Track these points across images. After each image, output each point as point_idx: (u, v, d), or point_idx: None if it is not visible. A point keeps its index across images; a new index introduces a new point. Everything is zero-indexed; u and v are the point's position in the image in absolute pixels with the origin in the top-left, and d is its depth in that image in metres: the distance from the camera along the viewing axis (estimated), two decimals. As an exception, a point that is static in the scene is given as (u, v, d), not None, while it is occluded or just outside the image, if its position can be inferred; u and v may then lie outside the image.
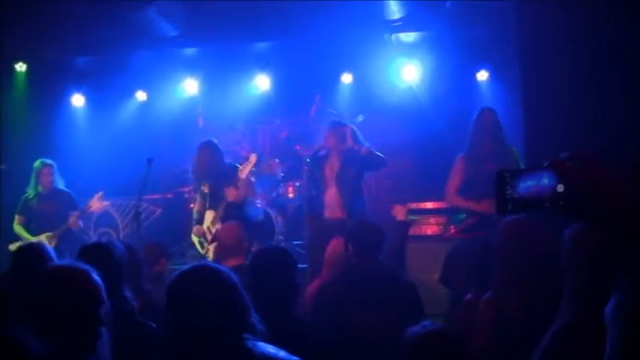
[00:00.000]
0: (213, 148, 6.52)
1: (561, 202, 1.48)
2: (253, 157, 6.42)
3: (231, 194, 6.29)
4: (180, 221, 7.97)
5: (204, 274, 2.34)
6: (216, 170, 6.43)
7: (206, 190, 6.53)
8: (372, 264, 3.95)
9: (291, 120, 9.05)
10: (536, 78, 5.29)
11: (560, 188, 1.49)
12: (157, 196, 8.25)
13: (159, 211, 8.25)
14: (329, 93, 8.55)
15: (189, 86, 8.64)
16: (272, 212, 7.57)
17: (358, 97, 8.61)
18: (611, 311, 1.22)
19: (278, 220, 7.52)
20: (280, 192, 8.23)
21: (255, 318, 2.33)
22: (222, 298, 2.27)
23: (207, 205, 6.51)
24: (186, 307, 2.27)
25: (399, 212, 5.17)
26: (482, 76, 8.24)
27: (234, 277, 2.38)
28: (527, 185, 1.55)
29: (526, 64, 5.47)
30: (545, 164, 1.54)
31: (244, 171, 6.34)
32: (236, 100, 8.74)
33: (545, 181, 1.53)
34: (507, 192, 1.56)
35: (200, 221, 6.55)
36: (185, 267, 2.39)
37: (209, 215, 6.48)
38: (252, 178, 6.77)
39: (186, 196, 8.21)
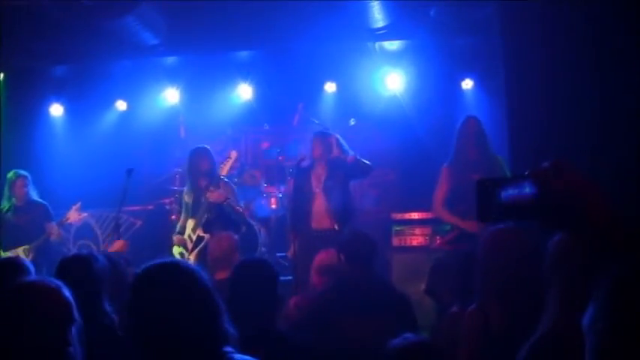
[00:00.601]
0: (208, 154, 6.54)
1: (539, 212, 1.50)
2: (234, 154, 6.46)
3: (212, 195, 6.28)
4: (161, 233, 7.93)
5: (173, 271, 2.15)
6: (209, 177, 6.46)
7: (189, 200, 6.56)
8: (365, 274, 3.96)
9: (274, 130, 9.10)
10: (520, 86, 5.35)
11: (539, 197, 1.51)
12: (137, 208, 8.25)
13: (139, 223, 8.23)
14: (312, 102, 8.60)
15: (170, 95, 8.67)
16: (255, 223, 7.47)
17: (342, 106, 8.68)
18: (588, 321, 1.24)
19: (261, 232, 7.52)
20: (263, 203, 8.22)
21: (229, 325, 2.16)
22: (194, 302, 2.08)
23: (190, 214, 6.52)
24: (152, 309, 2.07)
25: None
26: (467, 84, 8.30)
27: (208, 278, 2.20)
28: (508, 194, 1.56)
29: (510, 73, 5.52)
30: (527, 173, 1.56)
31: (225, 168, 6.37)
32: (218, 110, 8.78)
33: (527, 190, 1.54)
34: (489, 201, 1.58)
35: (181, 232, 6.55)
36: (152, 262, 2.21)
37: (190, 223, 6.50)
38: (234, 185, 6.83)
39: (168, 207, 8.24)
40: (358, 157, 6.26)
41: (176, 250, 6.51)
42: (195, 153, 6.55)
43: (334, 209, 6.26)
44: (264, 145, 9.01)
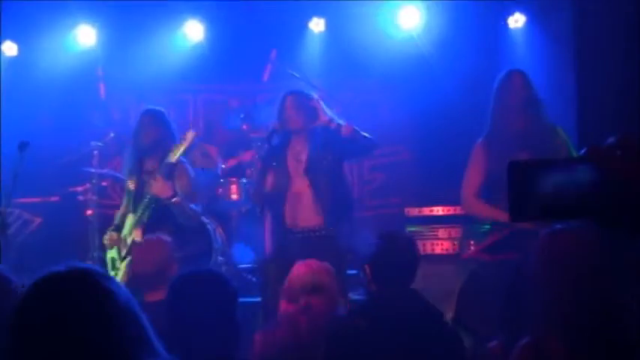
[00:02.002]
0: (160, 121, 6.67)
1: (606, 209, 1.50)
2: (190, 135, 6.52)
3: (154, 187, 6.40)
4: (70, 235, 7.97)
5: (74, 286, 2.16)
6: (157, 157, 6.57)
7: (132, 187, 6.70)
8: (404, 295, 4.03)
9: (235, 88, 9.18)
10: (596, 26, 5.34)
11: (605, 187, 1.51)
12: (36, 200, 8.22)
13: (38, 220, 8.15)
14: (291, 47, 8.67)
15: (84, 36, 8.65)
16: (208, 222, 7.60)
17: (333, 53, 8.70)
18: None
19: (217, 233, 7.62)
20: (220, 192, 8.35)
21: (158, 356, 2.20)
22: (100, 330, 2.09)
23: (131, 208, 6.67)
24: (38, 339, 2.06)
25: None
26: (517, 21, 8.31)
27: (129, 297, 2.21)
28: (554, 182, 1.57)
29: (581, 5, 5.51)
30: (583, 153, 1.56)
31: (175, 153, 6.44)
32: (154, 58, 8.77)
33: (582, 176, 1.55)
34: (526, 191, 1.58)
35: (119, 228, 6.74)
36: (48, 272, 2.19)
37: (129, 220, 6.66)
38: (192, 173, 6.84)
39: (81, 198, 8.17)
40: (356, 128, 6.30)
41: (109, 255, 6.66)
42: (140, 119, 6.70)
43: (321, 201, 6.30)
44: (233, 103, 9.11)
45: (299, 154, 6.41)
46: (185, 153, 6.48)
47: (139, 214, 6.50)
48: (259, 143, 7.61)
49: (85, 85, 8.94)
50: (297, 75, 7.34)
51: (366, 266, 4.14)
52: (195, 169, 7.89)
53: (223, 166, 8.53)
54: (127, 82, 8.90)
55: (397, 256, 4.11)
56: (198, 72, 9.06)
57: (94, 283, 2.14)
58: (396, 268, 4.09)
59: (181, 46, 8.90)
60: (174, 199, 6.33)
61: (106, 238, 6.69)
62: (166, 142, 6.55)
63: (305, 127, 6.38)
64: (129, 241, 6.51)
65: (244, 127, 8.64)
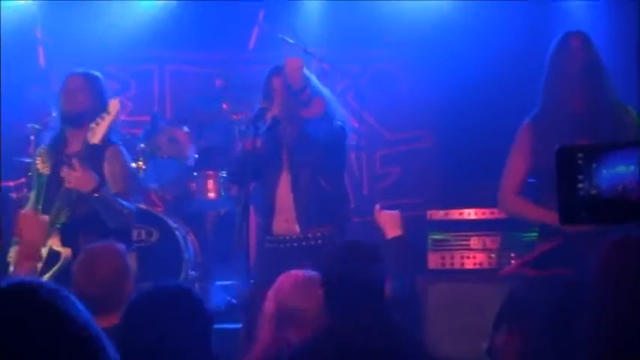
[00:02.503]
0: (86, 86, 6.53)
1: None
2: (114, 105, 6.41)
3: (72, 176, 6.21)
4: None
5: (18, 304, 2.06)
6: (77, 129, 6.49)
7: (43, 170, 6.55)
8: (369, 324, 3.98)
9: (213, 57, 9.28)
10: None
11: None
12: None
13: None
14: (283, 7, 8.67)
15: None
16: (177, 226, 7.80)
17: (336, 14, 8.76)
18: None
19: (187, 241, 7.69)
20: (193, 188, 8.39)
21: None
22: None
23: (41, 201, 6.47)
24: None
25: (389, 221, 5.29)
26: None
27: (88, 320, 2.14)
28: (614, 174, 1.58)
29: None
30: None
31: (96, 132, 6.28)
32: (109, 19, 8.75)
33: None
34: (579, 185, 1.61)
35: None
36: None
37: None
38: (129, 160, 6.81)
39: (15, 195, 8.15)
40: (329, 103, 6.46)
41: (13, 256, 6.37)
42: (64, 83, 6.59)
43: (303, 202, 6.46)
44: (219, 82, 8.96)
45: (288, 142, 6.54)
46: (110, 132, 6.29)
47: (53, 212, 6.28)
48: (243, 127, 7.54)
49: (20, 50, 8.81)
50: (291, 40, 7.36)
51: (321, 289, 4.18)
52: (162, 159, 8.33)
53: (196, 155, 8.48)
54: (73, 46, 8.75)
55: (355, 274, 4.09)
56: (165, 36, 9.03)
57: (44, 303, 2.08)
58: (358, 289, 4.06)
59: (145, 3, 8.89)
60: (96, 194, 6.22)
61: (11, 255, 6.31)
62: (95, 113, 6.37)
63: (289, 103, 6.46)
64: (44, 252, 6.15)
65: (224, 106, 8.63)
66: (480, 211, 7.43)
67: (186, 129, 8.55)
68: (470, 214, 7.47)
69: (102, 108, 6.39)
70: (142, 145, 8.00)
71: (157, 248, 7.47)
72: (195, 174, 8.39)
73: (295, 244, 6.35)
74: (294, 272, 4.65)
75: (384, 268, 4.22)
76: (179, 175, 8.35)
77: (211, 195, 8.34)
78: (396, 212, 5.35)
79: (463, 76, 8.41)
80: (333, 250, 4.54)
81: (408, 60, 8.86)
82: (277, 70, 6.56)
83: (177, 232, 7.57)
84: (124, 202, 6.34)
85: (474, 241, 7.38)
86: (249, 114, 6.99)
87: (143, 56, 9.20)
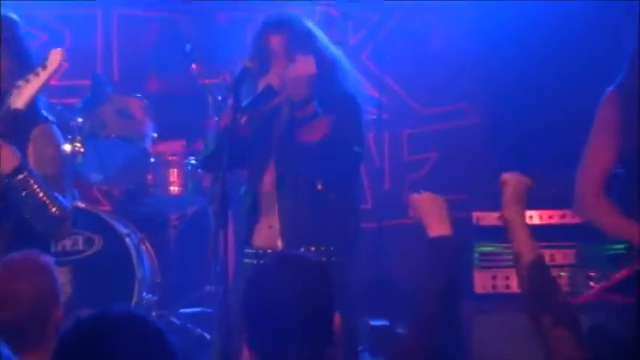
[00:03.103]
0: (11, 32, 6.50)
1: None
2: (55, 57, 6.24)
3: None
4: None
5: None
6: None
7: None
8: None
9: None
10: None
11: None
12: None
13: None
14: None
15: None
16: (128, 232, 7.81)
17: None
18: None
19: (142, 252, 7.79)
20: (150, 180, 8.53)
21: None
22: None
23: None
24: None
25: (430, 210, 5.05)
26: None
27: None
28: None
29: None
30: None
31: (24, 94, 6.20)
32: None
33: None
34: None
35: None
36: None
37: None
38: (63, 144, 6.63)
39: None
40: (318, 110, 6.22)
41: None
42: None
43: (295, 206, 6.42)
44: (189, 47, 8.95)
45: (280, 125, 6.53)
46: (39, 102, 6.28)
47: None
48: (218, 96, 7.82)
49: None
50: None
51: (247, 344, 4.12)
52: (108, 140, 8.40)
53: (155, 134, 8.47)
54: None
55: (289, 297, 4.10)
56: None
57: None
58: (288, 324, 4.09)
59: None
60: (19, 176, 6.15)
61: None
62: (15, 72, 6.33)
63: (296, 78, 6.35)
64: None
65: (193, 66, 8.61)
66: (546, 213, 7.49)
67: (141, 98, 8.63)
68: (532, 217, 7.41)
69: (23, 65, 6.33)
70: (80, 120, 8.04)
71: (100, 261, 7.50)
72: (152, 160, 8.44)
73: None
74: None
75: (330, 292, 4.18)
76: (131, 162, 8.41)
77: (175, 189, 8.45)
78: (440, 198, 5.09)
79: (517, 29, 8.73)
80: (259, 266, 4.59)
81: (442, 5, 9.03)
82: (276, 25, 6.55)
83: (127, 240, 7.62)
84: (57, 196, 6.21)
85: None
86: (227, 77, 7.14)
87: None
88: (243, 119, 6.40)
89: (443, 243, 4.98)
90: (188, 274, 8.25)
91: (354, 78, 6.71)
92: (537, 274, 4.92)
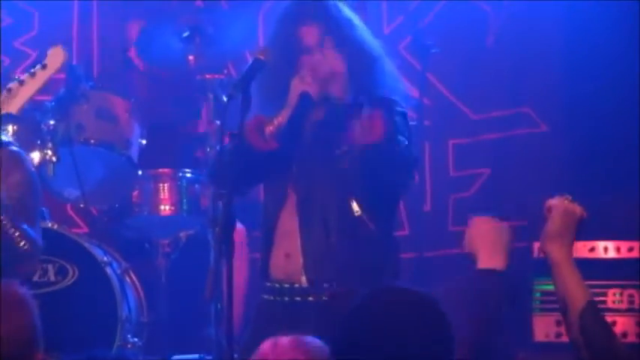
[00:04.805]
0: None
1: None
2: (56, 54, 6.49)
3: None
4: None
5: None
6: None
7: None
8: None
9: None
10: None
11: None
12: None
13: None
14: None
15: None
16: (109, 261, 7.74)
17: None
18: None
19: (126, 285, 7.72)
20: (136, 198, 8.35)
21: None
22: None
23: None
24: None
25: (486, 238, 4.98)
26: None
27: None
28: None
29: None
30: None
31: (18, 98, 6.35)
32: None
33: None
34: None
35: None
36: None
37: None
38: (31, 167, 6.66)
39: None
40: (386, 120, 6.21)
41: None
42: None
43: (315, 238, 6.35)
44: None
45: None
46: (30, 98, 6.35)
47: None
48: (222, 95, 7.75)
49: None
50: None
51: None
52: (86, 147, 8.25)
53: (144, 141, 8.15)
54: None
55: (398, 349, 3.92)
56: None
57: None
58: None
59: None
60: None
61: None
62: None
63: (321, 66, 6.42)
64: None
65: (190, 58, 8.38)
66: (625, 244, 7.52)
67: (127, 98, 8.43)
68: (608, 249, 7.55)
69: None
70: (52, 123, 7.71)
71: (75, 296, 7.35)
72: (140, 173, 8.13)
73: (299, 299, 6.33)
74: (283, 339, 4.45)
75: (451, 336, 3.97)
76: (113, 174, 8.17)
77: (166, 209, 8.24)
78: (503, 223, 5.11)
79: (590, 18, 8.72)
80: (353, 306, 4.23)
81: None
82: (309, 15, 6.52)
83: (108, 270, 7.44)
84: (27, 228, 6.25)
85: (614, 296, 7.55)
86: (233, 73, 7.91)
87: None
88: (270, 128, 6.35)
89: (493, 277, 5.05)
90: (182, 313, 8.16)
91: (394, 75, 6.71)
92: (589, 323, 4.75)
